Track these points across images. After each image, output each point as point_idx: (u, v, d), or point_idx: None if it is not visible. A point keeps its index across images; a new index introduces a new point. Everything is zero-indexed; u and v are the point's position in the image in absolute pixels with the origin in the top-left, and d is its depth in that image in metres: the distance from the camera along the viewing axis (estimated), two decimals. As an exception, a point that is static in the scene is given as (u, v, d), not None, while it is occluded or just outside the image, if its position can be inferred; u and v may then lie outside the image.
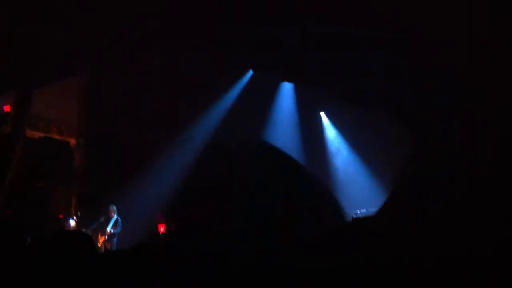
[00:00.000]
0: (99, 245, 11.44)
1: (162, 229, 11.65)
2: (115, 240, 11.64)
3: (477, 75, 9.65)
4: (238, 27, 11.44)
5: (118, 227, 11.68)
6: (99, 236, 11.64)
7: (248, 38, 11.80)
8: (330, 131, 14.60)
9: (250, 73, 13.98)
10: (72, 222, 11.75)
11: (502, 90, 9.32)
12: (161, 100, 12.82)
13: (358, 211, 11.91)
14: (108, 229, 11.61)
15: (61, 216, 11.35)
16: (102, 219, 11.63)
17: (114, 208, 11.80)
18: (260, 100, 14.18)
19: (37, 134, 11.91)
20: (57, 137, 12.41)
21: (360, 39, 11.14)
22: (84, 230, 11.65)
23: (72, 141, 12.58)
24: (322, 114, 14.75)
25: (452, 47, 10.12)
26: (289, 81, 14.08)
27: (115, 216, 11.73)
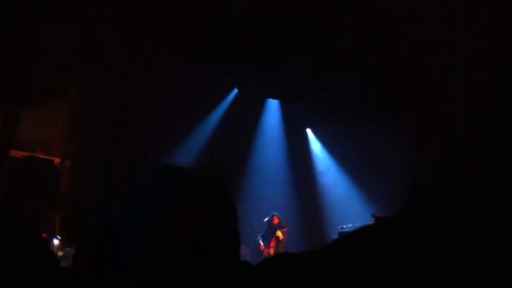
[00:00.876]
0: (82, 264, 11.35)
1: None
2: (100, 259, 11.54)
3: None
4: (222, 46, 11.54)
5: (103, 247, 11.60)
6: (83, 255, 11.54)
7: (233, 56, 11.90)
8: (316, 147, 14.65)
9: (235, 91, 14.06)
10: (56, 242, 11.66)
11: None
12: (146, 122, 12.88)
13: (345, 226, 11.93)
14: (92, 248, 11.52)
15: (44, 235, 11.26)
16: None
17: (100, 227, 11.74)
18: (246, 118, 14.25)
19: (21, 154, 11.86)
20: (42, 156, 12.36)
21: (345, 54, 11.26)
22: (68, 249, 11.58)
23: (57, 160, 12.54)
24: (308, 130, 14.80)
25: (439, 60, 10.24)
26: (274, 98, 14.15)
27: (100, 235, 11.66)
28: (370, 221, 11.49)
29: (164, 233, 1.26)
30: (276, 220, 12.06)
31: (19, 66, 10.53)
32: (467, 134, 9.87)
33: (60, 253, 11.43)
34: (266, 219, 12.18)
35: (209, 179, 1.38)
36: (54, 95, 12.30)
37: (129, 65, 11.82)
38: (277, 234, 11.89)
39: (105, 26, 10.30)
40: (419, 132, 11.67)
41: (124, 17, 10.07)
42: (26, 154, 12.03)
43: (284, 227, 12.01)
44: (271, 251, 11.83)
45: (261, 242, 12.13)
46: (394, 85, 11.28)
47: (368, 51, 10.53)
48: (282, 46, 11.23)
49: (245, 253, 12.39)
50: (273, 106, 14.52)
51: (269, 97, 14.18)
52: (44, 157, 12.38)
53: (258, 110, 14.48)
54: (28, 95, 11.53)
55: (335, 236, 11.72)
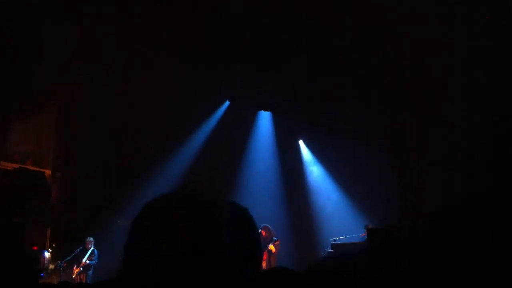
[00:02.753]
0: (73, 277, 11.28)
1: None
2: (90, 272, 11.47)
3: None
4: (214, 60, 11.61)
5: (94, 259, 11.54)
6: (74, 268, 11.48)
7: (224, 70, 11.96)
8: (309, 159, 14.66)
9: (227, 103, 14.09)
10: (47, 254, 11.59)
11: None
12: (139, 130, 12.88)
13: (337, 238, 11.90)
14: (83, 260, 11.46)
15: (35, 248, 11.19)
16: (77, 250, 11.51)
17: (91, 239, 11.71)
18: (238, 129, 14.27)
19: (11, 166, 11.81)
20: (32, 168, 12.32)
21: (337, 65, 11.36)
22: (58, 262, 11.49)
23: (48, 172, 12.49)
24: (301, 142, 14.82)
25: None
26: (266, 110, 14.19)
27: (92, 248, 11.60)
28: (362, 232, 11.50)
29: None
30: (264, 233, 11.94)
31: (11, 72, 10.52)
32: (467, 135, 9.99)
33: (51, 266, 11.35)
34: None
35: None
36: (43, 105, 12.28)
37: (128, 65, 11.80)
38: (269, 248, 11.83)
39: (103, 26, 10.32)
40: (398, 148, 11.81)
41: (123, 17, 10.08)
42: (16, 166, 11.98)
43: (276, 240, 11.95)
44: (264, 264, 11.77)
45: None
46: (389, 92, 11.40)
47: (366, 52, 10.62)
48: (274, 53, 11.32)
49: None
50: (265, 118, 14.54)
51: (261, 109, 14.20)
52: (35, 169, 12.33)
53: (250, 121, 14.49)
54: (17, 105, 11.51)
55: (327, 249, 11.69)
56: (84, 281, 10.99)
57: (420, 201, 10.98)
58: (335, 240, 11.76)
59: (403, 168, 11.90)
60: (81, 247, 11.55)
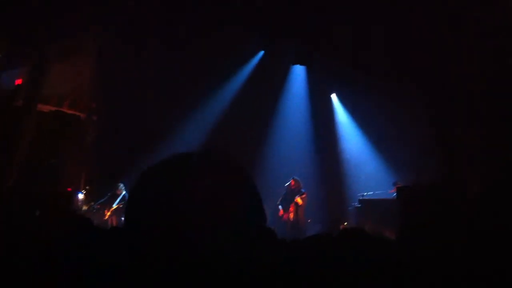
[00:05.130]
0: (105, 219, 11.63)
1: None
2: (122, 217, 11.80)
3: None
4: (250, 7, 11.44)
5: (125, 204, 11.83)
6: (106, 211, 11.82)
7: (260, 18, 11.80)
8: (341, 113, 14.56)
9: (260, 54, 13.96)
10: (81, 196, 11.92)
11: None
12: (172, 78, 12.89)
13: (365, 193, 11.94)
14: (115, 205, 11.78)
15: (69, 189, 11.50)
16: (109, 194, 11.83)
17: (122, 186, 11.98)
18: (271, 82, 14.19)
19: (48, 108, 12.01)
20: (68, 111, 12.51)
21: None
22: (92, 203, 11.84)
23: (83, 116, 12.70)
24: (333, 96, 14.69)
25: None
26: (300, 64, 14.02)
27: (123, 193, 11.90)
28: (391, 189, 11.49)
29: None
30: (293, 183, 12.09)
31: (42, 15, 10.57)
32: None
33: (84, 207, 11.68)
34: (287, 184, 12.23)
35: (226, 161, 1.36)
36: (81, 48, 12.33)
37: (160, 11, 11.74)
38: (296, 200, 11.94)
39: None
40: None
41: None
42: (53, 108, 12.18)
43: (303, 193, 12.05)
44: (291, 215, 11.91)
45: (280, 207, 12.22)
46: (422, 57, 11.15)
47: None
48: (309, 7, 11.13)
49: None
50: (298, 72, 14.39)
51: (295, 63, 14.04)
52: (71, 112, 12.52)
53: (283, 75, 14.37)
54: (55, 47, 11.58)
55: (355, 203, 11.75)
56: (115, 224, 11.33)
57: (457, 161, 10.83)
58: (362, 196, 11.82)
59: (440, 125, 11.69)
60: (109, 193, 11.86)
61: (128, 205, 1.33)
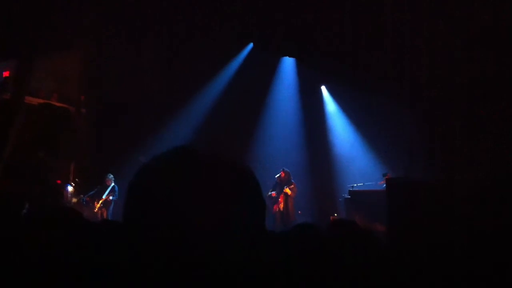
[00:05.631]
0: (94, 211, 11.62)
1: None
2: (111, 208, 11.79)
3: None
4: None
5: (115, 195, 11.84)
6: (95, 203, 11.81)
7: (250, 9, 11.76)
8: (331, 105, 14.59)
9: (250, 46, 13.93)
10: (70, 188, 11.88)
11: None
12: (161, 71, 12.85)
13: (355, 184, 12.00)
14: (104, 196, 11.77)
15: (59, 181, 11.47)
16: (99, 187, 11.84)
17: (111, 177, 11.98)
18: (261, 75, 14.17)
19: (36, 101, 11.95)
20: (57, 104, 12.45)
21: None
22: (81, 196, 11.81)
23: (72, 109, 12.63)
24: (323, 88, 14.70)
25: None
26: (290, 56, 14.02)
27: (112, 184, 11.89)
28: (380, 180, 11.55)
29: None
30: (283, 175, 12.14)
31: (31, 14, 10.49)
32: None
33: (74, 200, 11.65)
34: (277, 175, 12.28)
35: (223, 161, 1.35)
36: (68, 41, 12.25)
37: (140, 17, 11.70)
38: (285, 191, 12.00)
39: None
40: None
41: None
42: (41, 101, 12.11)
43: (292, 183, 12.10)
44: (281, 206, 11.96)
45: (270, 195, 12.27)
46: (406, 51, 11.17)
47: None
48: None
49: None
50: (288, 64, 14.39)
51: (285, 55, 14.03)
52: (60, 105, 12.46)
53: (273, 67, 14.36)
54: (42, 41, 11.49)
55: (345, 195, 11.81)
56: (105, 216, 11.34)
57: (446, 156, 10.91)
58: (352, 187, 11.87)
59: (431, 120, 11.75)
60: (99, 186, 11.87)
61: (127, 201, 1.32)
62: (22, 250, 1.57)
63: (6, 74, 11.33)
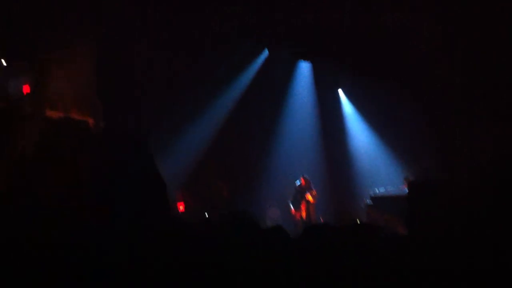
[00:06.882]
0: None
1: (181, 207, 11.79)
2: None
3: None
4: (253, 6, 11.45)
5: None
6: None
7: (263, 16, 11.78)
8: (348, 109, 14.43)
9: (266, 52, 13.92)
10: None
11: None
12: (178, 78, 12.84)
13: (377, 190, 11.86)
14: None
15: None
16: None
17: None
18: (277, 80, 14.13)
19: (56, 115, 11.95)
20: (77, 117, 12.42)
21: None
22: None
23: (91, 121, 12.63)
24: (340, 91, 14.57)
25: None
26: (305, 59, 13.95)
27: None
28: (401, 185, 11.41)
29: None
30: (303, 182, 12.08)
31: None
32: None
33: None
34: (298, 183, 12.20)
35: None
36: (81, 51, 12.24)
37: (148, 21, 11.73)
38: (306, 198, 11.92)
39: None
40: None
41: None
42: (61, 114, 12.10)
43: (313, 190, 12.02)
44: (303, 214, 11.89)
45: (291, 206, 12.19)
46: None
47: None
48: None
49: (277, 216, 12.47)
50: (304, 68, 14.33)
51: (301, 59, 13.98)
52: (79, 118, 12.44)
53: (289, 72, 14.30)
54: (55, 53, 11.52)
55: (367, 200, 11.68)
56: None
57: (464, 157, 10.77)
58: (374, 193, 11.72)
59: (447, 121, 11.64)
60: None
61: None
62: (28, 250, 1.55)
63: (26, 88, 11.37)
